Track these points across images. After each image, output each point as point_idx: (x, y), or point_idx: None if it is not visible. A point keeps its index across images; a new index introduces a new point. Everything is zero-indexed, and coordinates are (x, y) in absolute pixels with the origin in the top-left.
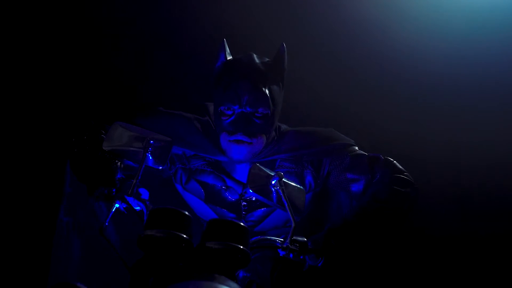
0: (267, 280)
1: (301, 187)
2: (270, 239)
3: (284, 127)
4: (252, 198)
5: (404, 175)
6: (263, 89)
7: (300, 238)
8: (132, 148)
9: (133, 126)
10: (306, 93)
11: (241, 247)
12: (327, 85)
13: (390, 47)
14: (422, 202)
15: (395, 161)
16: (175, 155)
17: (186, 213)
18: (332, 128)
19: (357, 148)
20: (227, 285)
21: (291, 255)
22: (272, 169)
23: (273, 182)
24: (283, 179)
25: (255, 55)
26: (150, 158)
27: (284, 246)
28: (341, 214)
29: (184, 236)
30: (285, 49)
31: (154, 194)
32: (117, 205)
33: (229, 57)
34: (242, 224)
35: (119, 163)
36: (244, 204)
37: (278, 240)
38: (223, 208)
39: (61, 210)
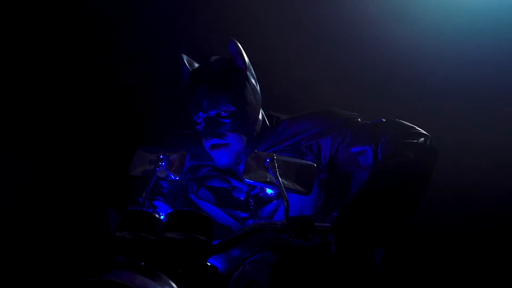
0: (267, 281)
1: (310, 162)
2: (261, 223)
3: (283, 117)
4: (259, 194)
5: (414, 129)
6: (220, 88)
7: (302, 217)
8: (147, 167)
9: (151, 148)
10: (305, 93)
11: (199, 236)
12: (326, 85)
13: (391, 47)
14: (422, 202)
15: (400, 120)
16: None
17: (154, 214)
18: (332, 107)
19: (359, 119)
20: (160, 285)
21: (293, 236)
22: None
23: (266, 164)
24: (282, 158)
25: (214, 58)
26: (168, 171)
27: (282, 227)
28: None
29: (148, 235)
30: (236, 44)
31: None
32: None
33: (192, 68)
34: (202, 214)
35: (142, 184)
36: (252, 202)
37: (275, 222)
38: (235, 209)
39: None
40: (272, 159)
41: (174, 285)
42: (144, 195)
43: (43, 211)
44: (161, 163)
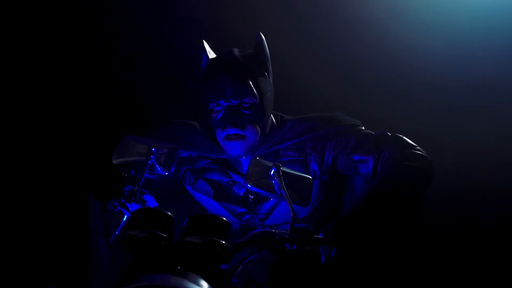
0: (267, 281)
1: (307, 175)
2: (271, 231)
3: (287, 117)
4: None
5: (415, 150)
6: (245, 79)
7: (303, 228)
8: (137, 158)
9: (139, 138)
10: (306, 93)
11: (221, 241)
12: (328, 84)
13: (391, 46)
14: (422, 202)
15: (404, 137)
16: (182, 158)
17: (167, 212)
18: (338, 112)
19: (363, 128)
20: (196, 283)
21: (294, 246)
22: (275, 160)
23: (271, 174)
24: (283, 169)
25: (236, 49)
26: (156, 165)
27: (290, 237)
28: (354, 201)
29: (163, 234)
30: (263, 38)
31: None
32: (126, 215)
33: (211, 56)
34: (223, 218)
35: (126, 174)
36: (251, 198)
37: (279, 231)
38: (233, 204)
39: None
40: (278, 169)
41: (206, 284)
42: (136, 188)
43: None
44: (152, 156)
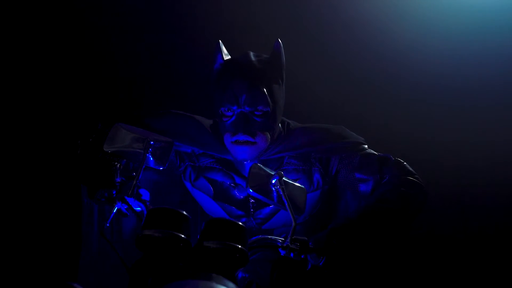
0: (267, 281)
1: (302, 186)
2: (270, 238)
3: (293, 124)
4: None
5: (414, 178)
6: (261, 87)
7: (300, 237)
8: (132, 149)
9: (134, 127)
10: (306, 93)
11: (239, 246)
12: (327, 86)
13: (391, 47)
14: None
15: (405, 163)
16: (184, 153)
17: (184, 212)
18: (342, 126)
19: (367, 146)
20: (224, 285)
21: (291, 255)
22: (280, 166)
23: (273, 182)
24: (284, 178)
25: (252, 53)
26: (151, 159)
27: (285, 245)
28: (347, 213)
29: (182, 236)
30: (281, 45)
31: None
32: (117, 207)
33: (226, 58)
34: (240, 223)
35: (119, 165)
36: (252, 202)
37: (279, 239)
38: (232, 205)
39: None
40: (281, 178)
41: (233, 284)
42: (134, 182)
43: None
44: (150, 149)
